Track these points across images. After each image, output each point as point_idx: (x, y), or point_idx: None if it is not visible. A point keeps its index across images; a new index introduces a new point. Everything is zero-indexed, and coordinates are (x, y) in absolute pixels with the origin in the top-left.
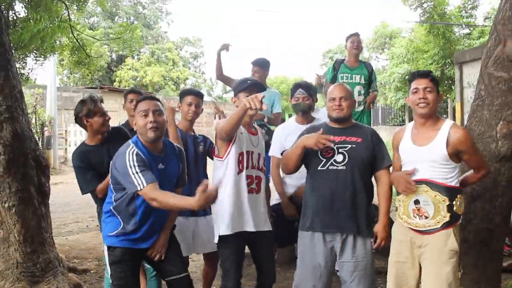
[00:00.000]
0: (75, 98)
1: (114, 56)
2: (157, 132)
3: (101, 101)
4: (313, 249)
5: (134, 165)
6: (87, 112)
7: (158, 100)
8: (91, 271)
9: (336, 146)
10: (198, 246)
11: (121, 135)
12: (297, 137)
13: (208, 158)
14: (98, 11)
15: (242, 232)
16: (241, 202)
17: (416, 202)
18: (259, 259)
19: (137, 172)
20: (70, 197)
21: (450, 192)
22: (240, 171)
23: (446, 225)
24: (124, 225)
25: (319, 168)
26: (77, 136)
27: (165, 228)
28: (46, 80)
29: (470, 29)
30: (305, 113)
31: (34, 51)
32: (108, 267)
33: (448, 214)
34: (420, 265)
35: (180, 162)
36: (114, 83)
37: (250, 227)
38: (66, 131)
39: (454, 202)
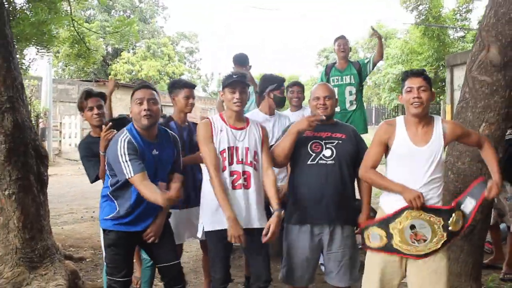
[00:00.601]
0: (70, 91)
1: (109, 49)
2: (150, 119)
3: (94, 94)
4: (301, 242)
5: (124, 153)
6: (77, 107)
7: (154, 89)
8: (87, 260)
9: (323, 141)
10: (193, 232)
11: (124, 125)
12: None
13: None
14: (95, 3)
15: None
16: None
17: (412, 227)
18: (249, 257)
19: (126, 161)
20: (64, 189)
21: (442, 213)
22: (223, 169)
23: (445, 244)
24: (119, 209)
25: (308, 162)
26: (72, 128)
27: (161, 212)
28: (41, 72)
29: (464, 32)
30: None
31: (34, 43)
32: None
33: (445, 233)
34: (405, 263)
35: (174, 149)
36: (109, 77)
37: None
38: (60, 123)
39: (449, 221)
